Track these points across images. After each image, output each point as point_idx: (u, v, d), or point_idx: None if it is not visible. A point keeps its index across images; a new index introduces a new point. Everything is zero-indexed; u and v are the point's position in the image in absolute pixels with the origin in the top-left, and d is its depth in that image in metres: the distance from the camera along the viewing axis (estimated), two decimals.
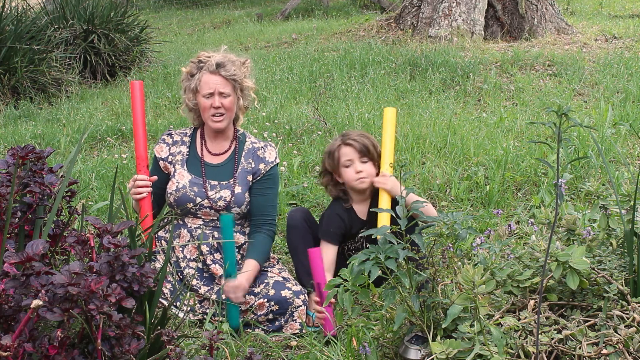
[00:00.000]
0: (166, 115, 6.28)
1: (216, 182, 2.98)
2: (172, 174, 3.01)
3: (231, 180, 2.99)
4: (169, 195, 2.96)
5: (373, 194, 3.07)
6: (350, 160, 2.97)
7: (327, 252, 2.98)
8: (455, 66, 6.94)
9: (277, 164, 3.07)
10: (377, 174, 2.99)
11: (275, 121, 5.59)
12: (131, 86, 2.85)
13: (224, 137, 3.04)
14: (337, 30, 9.99)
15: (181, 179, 2.98)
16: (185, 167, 3.00)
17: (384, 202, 2.90)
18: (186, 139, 3.06)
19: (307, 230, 3.01)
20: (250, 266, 2.88)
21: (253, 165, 3.02)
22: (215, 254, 2.97)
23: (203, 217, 2.98)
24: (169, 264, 2.87)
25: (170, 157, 3.02)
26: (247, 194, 2.99)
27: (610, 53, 7.62)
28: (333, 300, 2.71)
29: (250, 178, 3.01)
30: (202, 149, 3.04)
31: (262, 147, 3.06)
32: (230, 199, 2.94)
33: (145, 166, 2.85)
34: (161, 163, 3.02)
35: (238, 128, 3.09)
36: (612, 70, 6.84)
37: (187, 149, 3.03)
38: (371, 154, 2.97)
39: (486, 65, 7.08)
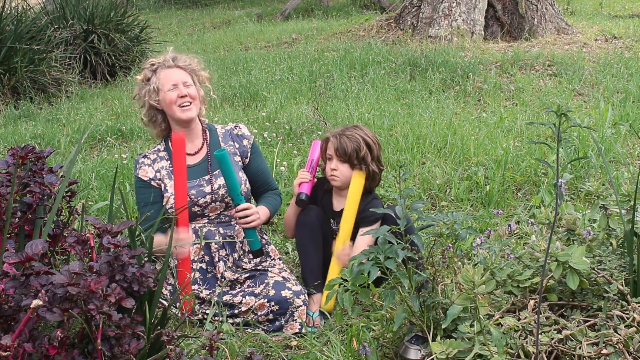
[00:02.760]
0: None
1: (208, 176, 3.00)
2: (164, 189, 2.99)
3: (209, 175, 3.01)
4: (170, 210, 2.95)
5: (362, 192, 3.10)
6: (330, 156, 3.04)
7: None
8: (455, 66, 6.95)
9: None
10: (366, 178, 3.02)
11: (275, 121, 5.59)
12: (172, 141, 2.89)
13: (194, 135, 3.05)
14: (337, 30, 9.99)
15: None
16: (173, 178, 3.00)
17: (335, 271, 2.93)
18: (162, 153, 3.05)
19: (319, 230, 3.00)
20: (263, 209, 3.00)
21: (237, 146, 3.08)
22: (220, 251, 2.98)
23: (210, 213, 2.98)
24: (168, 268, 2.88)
25: (157, 174, 3.01)
26: (241, 174, 3.03)
27: (610, 53, 7.62)
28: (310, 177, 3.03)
29: (238, 159, 3.06)
30: None
31: (234, 127, 3.14)
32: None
33: (186, 225, 2.85)
34: (153, 183, 3.00)
35: (202, 119, 3.12)
36: (612, 70, 6.84)
37: (168, 162, 3.03)
38: (348, 157, 2.98)
39: (486, 65, 7.08)
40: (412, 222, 2.34)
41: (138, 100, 3.05)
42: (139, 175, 3.00)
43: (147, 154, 3.07)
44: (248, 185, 3.05)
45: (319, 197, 3.13)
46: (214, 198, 2.96)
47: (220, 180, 2.98)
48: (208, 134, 3.09)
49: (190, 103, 2.95)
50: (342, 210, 3.07)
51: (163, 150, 3.07)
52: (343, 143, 2.98)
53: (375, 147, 3.04)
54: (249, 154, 3.08)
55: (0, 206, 1.90)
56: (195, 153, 3.05)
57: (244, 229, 2.93)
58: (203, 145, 3.07)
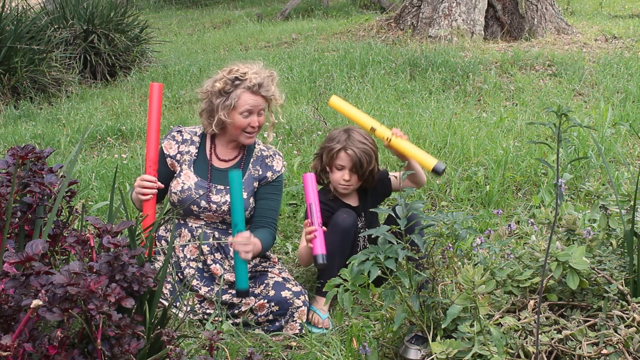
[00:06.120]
0: (166, 115, 6.28)
1: (222, 186, 2.97)
2: (177, 173, 2.99)
3: None
4: (172, 194, 2.95)
5: (359, 190, 3.15)
6: (343, 166, 3.04)
7: None
8: (455, 66, 6.94)
9: (283, 173, 3.08)
10: (361, 183, 3.08)
11: (275, 121, 5.58)
12: (150, 88, 2.81)
13: (235, 144, 3.03)
14: (337, 30, 9.99)
15: (187, 180, 2.96)
16: (192, 168, 2.98)
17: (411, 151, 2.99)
18: (196, 138, 3.03)
19: (351, 238, 2.97)
20: (257, 241, 2.83)
21: (260, 173, 3.01)
22: (215, 254, 2.97)
23: (205, 219, 2.98)
24: (169, 264, 2.86)
25: (178, 155, 3.00)
26: (252, 200, 2.98)
27: (610, 53, 7.62)
28: (322, 229, 2.82)
29: (256, 184, 3.00)
30: (211, 153, 3.03)
31: (270, 155, 3.06)
32: None
33: (154, 169, 2.82)
34: (168, 160, 2.99)
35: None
36: (612, 70, 6.84)
37: (196, 150, 3.02)
38: (363, 170, 3.02)
39: (486, 65, 7.08)
40: (418, 219, 2.33)
41: (204, 98, 2.97)
42: (163, 146, 2.99)
43: (183, 130, 3.05)
44: (252, 212, 3.00)
45: (332, 209, 3.07)
46: (214, 209, 2.95)
47: (229, 197, 2.94)
48: (245, 150, 3.05)
49: (256, 131, 2.95)
50: (360, 205, 3.13)
51: (198, 136, 3.04)
52: (360, 158, 3.00)
53: (376, 150, 3.10)
54: (265, 183, 3.02)
55: (0, 206, 1.90)
56: (225, 160, 3.03)
57: (235, 261, 2.78)
58: (236, 158, 3.04)
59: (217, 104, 2.90)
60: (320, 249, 2.75)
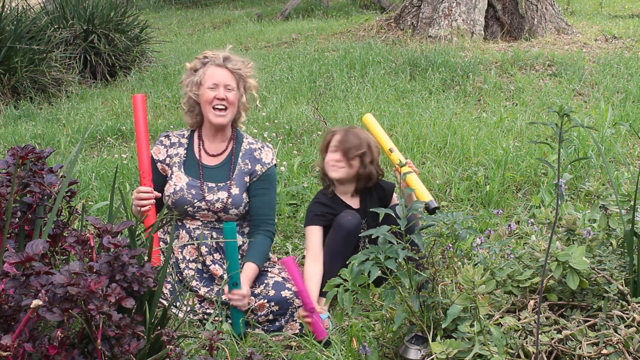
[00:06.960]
0: (166, 115, 6.28)
1: (213, 184, 2.97)
2: (169, 176, 3.00)
3: (228, 181, 2.99)
4: (166, 197, 2.96)
5: (360, 190, 3.15)
6: (335, 148, 3.09)
7: (314, 235, 3.04)
8: (455, 66, 6.94)
9: (274, 165, 3.07)
10: (355, 170, 3.08)
11: (275, 121, 5.59)
12: (133, 100, 2.83)
13: (222, 137, 3.04)
14: (337, 30, 9.99)
15: (178, 181, 2.97)
16: (182, 169, 2.99)
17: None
18: (183, 140, 3.05)
19: (354, 240, 2.98)
20: (250, 270, 2.86)
21: (250, 167, 3.01)
22: (214, 254, 2.97)
23: (201, 218, 2.98)
24: (168, 265, 2.86)
25: (167, 159, 3.01)
26: (245, 195, 2.98)
27: (610, 53, 7.62)
28: (318, 309, 2.79)
29: (247, 179, 3.00)
30: (199, 151, 3.03)
31: (259, 148, 3.06)
32: (227, 200, 2.94)
33: (149, 179, 2.84)
34: (159, 165, 3.01)
35: (237, 128, 3.09)
36: (612, 70, 6.84)
37: (185, 151, 3.02)
38: (350, 154, 3.05)
39: (486, 65, 7.08)
40: (418, 219, 2.34)
41: (182, 86, 3.05)
42: (152, 152, 3.01)
43: (170, 135, 3.07)
44: (247, 208, 3.00)
45: (331, 208, 3.09)
46: (208, 206, 2.95)
47: (221, 194, 2.95)
48: (234, 143, 3.05)
49: (226, 108, 2.93)
50: (360, 207, 3.12)
51: (185, 138, 3.06)
52: (347, 142, 3.06)
53: (375, 150, 3.11)
54: (256, 179, 3.01)
55: (0, 206, 1.90)
56: (213, 155, 3.03)
57: (232, 310, 2.77)
58: (225, 152, 3.04)
59: (187, 83, 2.98)
60: (321, 333, 2.73)
